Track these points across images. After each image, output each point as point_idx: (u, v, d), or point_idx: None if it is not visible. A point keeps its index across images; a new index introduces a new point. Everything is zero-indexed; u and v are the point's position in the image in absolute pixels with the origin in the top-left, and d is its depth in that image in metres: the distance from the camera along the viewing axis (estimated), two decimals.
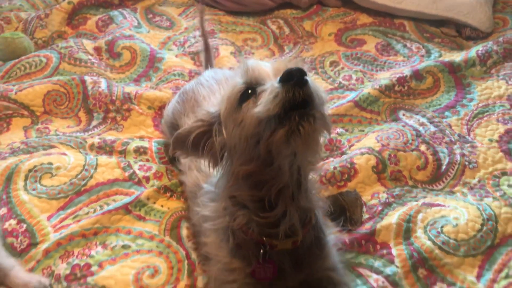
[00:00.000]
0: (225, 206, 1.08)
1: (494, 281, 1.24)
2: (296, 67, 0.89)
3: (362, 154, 1.52)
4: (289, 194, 0.99)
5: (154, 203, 1.44)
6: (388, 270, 1.25)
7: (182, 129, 1.06)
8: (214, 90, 1.47)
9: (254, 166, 0.96)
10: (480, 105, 1.72)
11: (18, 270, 1.26)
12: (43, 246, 1.31)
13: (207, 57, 1.78)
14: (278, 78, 0.90)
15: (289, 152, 0.93)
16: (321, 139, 0.98)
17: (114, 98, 1.73)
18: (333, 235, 1.22)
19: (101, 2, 2.21)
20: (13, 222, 1.38)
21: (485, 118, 1.67)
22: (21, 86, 1.74)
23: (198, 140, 1.04)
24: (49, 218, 1.40)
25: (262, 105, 0.90)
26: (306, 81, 0.88)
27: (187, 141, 1.04)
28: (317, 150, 0.99)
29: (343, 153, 1.57)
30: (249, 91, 0.96)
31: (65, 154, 1.54)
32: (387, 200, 1.43)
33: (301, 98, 0.87)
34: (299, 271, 1.11)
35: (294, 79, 0.87)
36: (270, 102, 0.89)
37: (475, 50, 1.90)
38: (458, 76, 1.83)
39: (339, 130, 1.64)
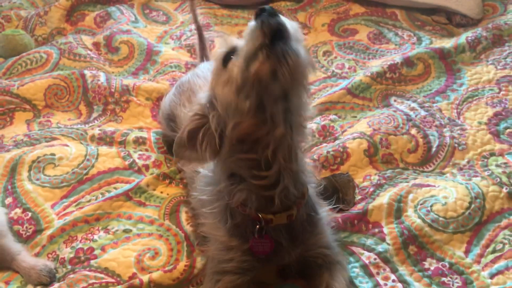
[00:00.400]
0: (222, 188, 1.11)
1: (481, 255, 1.29)
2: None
3: (354, 138, 1.57)
4: (283, 154, 1.00)
5: (154, 189, 1.49)
6: (380, 247, 1.30)
7: (179, 134, 1.07)
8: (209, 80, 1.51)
9: (247, 122, 0.96)
10: (469, 89, 1.76)
11: (24, 255, 1.31)
12: (47, 232, 1.37)
13: (202, 49, 1.82)
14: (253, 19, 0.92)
15: (279, 91, 0.93)
16: (308, 78, 0.98)
17: (113, 90, 1.78)
18: (326, 213, 1.25)
19: None
20: (18, 210, 1.43)
21: (474, 102, 1.72)
22: (22, 81, 1.80)
23: (194, 135, 1.04)
24: (53, 206, 1.45)
25: (245, 44, 0.92)
26: (277, 12, 0.91)
27: (192, 141, 1.04)
28: (306, 87, 0.99)
29: (336, 139, 1.61)
30: (231, 54, 0.98)
31: (67, 145, 1.60)
32: (378, 181, 1.48)
33: (277, 26, 0.89)
34: (295, 246, 1.15)
35: (266, 10, 0.90)
36: (252, 36, 0.91)
37: (464, 37, 1.94)
38: (448, 62, 1.87)
39: (332, 116, 1.69)
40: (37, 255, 1.33)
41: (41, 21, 2.13)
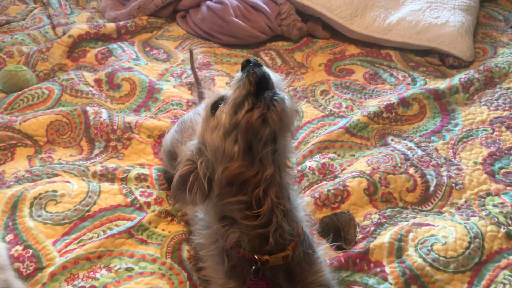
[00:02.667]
0: (215, 231, 1.14)
1: None
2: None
3: (354, 177, 1.59)
4: (274, 192, 1.04)
5: (156, 227, 1.49)
6: (382, 287, 1.31)
7: (174, 178, 1.11)
8: None
9: (236, 165, 1.01)
10: (464, 129, 1.81)
11: None
12: (49, 270, 1.36)
13: (199, 94, 1.86)
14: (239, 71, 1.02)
15: (268, 135, 0.99)
16: (293, 124, 1.05)
17: (115, 127, 1.79)
18: (323, 251, 1.27)
19: (99, 36, 2.29)
20: (19, 248, 1.42)
21: (469, 142, 1.76)
22: (25, 117, 1.81)
23: (187, 180, 1.08)
24: (54, 243, 1.45)
25: (232, 93, 1.00)
26: (261, 64, 1.02)
27: (182, 186, 1.09)
28: (292, 131, 1.07)
29: (335, 177, 1.64)
30: (218, 102, 1.05)
31: (68, 182, 1.60)
32: (379, 220, 1.50)
33: (262, 75, 0.99)
34: (293, 286, 1.16)
35: (251, 62, 1.01)
36: (239, 85, 0.99)
37: (458, 78, 2.00)
38: (443, 103, 1.92)
39: (331, 155, 1.72)
40: None
41: (43, 57, 2.16)
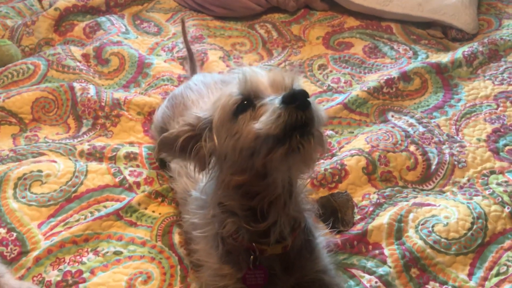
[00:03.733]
0: (213, 213, 1.09)
1: (485, 279, 1.25)
2: (299, 89, 0.90)
3: (352, 155, 1.53)
4: (281, 204, 1.00)
5: (146, 208, 1.43)
6: (381, 270, 1.26)
7: (168, 133, 1.07)
8: (203, 94, 1.47)
9: (246, 177, 0.97)
10: (467, 105, 1.74)
11: (8, 278, 1.24)
12: (33, 254, 1.31)
13: (192, 67, 1.79)
14: (281, 97, 0.89)
15: (285, 168, 0.95)
16: (317, 155, 0.99)
17: (103, 104, 1.72)
18: (323, 237, 1.22)
19: (87, 9, 2.20)
20: (2, 231, 1.36)
21: (472, 118, 1.69)
22: (9, 94, 1.73)
23: (186, 144, 1.03)
24: (39, 226, 1.39)
25: (263, 123, 0.90)
26: (309, 104, 0.88)
27: (174, 144, 1.04)
28: (313, 165, 1.01)
29: (333, 155, 1.57)
30: (245, 103, 0.95)
31: (54, 162, 1.54)
32: (378, 200, 1.44)
33: (304, 120, 0.88)
34: (290, 275, 1.12)
35: (297, 102, 0.87)
36: (272, 122, 0.88)
37: (461, 51, 1.92)
38: (445, 77, 1.85)
39: (329, 132, 1.65)
40: (21, 278, 1.26)
41: (28, 31, 2.07)
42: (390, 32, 2.13)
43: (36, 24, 2.08)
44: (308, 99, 0.89)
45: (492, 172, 1.51)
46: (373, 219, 1.39)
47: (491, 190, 1.44)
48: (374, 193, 1.47)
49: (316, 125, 0.91)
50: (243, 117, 0.94)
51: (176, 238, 1.36)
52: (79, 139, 1.65)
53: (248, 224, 1.02)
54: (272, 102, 0.91)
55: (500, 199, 1.40)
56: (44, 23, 2.09)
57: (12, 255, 1.31)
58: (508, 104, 1.72)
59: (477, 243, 1.31)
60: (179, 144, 1.03)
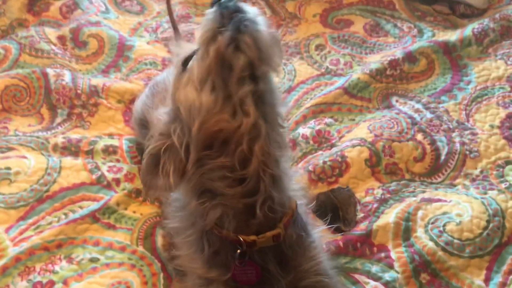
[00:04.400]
0: (193, 209, 0.96)
1: (504, 284, 1.13)
2: None
3: (354, 146, 1.39)
4: (260, 148, 0.85)
5: (125, 209, 1.30)
6: (387, 275, 1.14)
7: (143, 163, 0.92)
8: None
9: (214, 119, 0.83)
10: (478, 88, 1.60)
11: None
12: (0, 262, 1.17)
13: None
14: None
15: (242, 62, 0.81)
16: (276, 53, 0.87)
17: (79, 91, 1.57)
18: (319, 235, 1.09)
19: None
20: None
21: (484, 102, 1.55)
22: None
23: (159, 158, 0.89)
24: (7, 230, 1.26)
25: (201, 30, 0.84)
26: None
27: (154, 166, 0.90)
28: (274, 66, 0.87)
29: (332, 146, 1.44)
30: (191, 57, 0.87)
31: (25, 157, 1.39)
32: (382, 196, 1.31)
33: (235, 8, 0.83)
34: (285, 273, 0.99)
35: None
36: (208, 19, 0.83)
37: (470, 28, 1.76)
38: (453, 57, 1.70)
39: (327, 120, 1.51)
40: None
41: None
42: (392, 8, 1.97)
43: (7, 3, 1.91)
44: None
45: (508, 163, 1.37)
46: (378, 217, 1.26)
47: (507, 183, 1.32)
48: (379, 187, 1.33)
49: (253, 13, 0.84)
50: (191, 62, 0.86)
51: (160, 241, 1.24)
52: (53, 131, 1.50)
53: (231, 188, 0.88)
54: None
55: None
56: (16, 2, 1.91)
57: None
58: None
59: (493, 244, 1.20)
60: (146, 163, 0.90)
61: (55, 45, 1.77)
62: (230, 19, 0.82)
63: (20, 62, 1.70)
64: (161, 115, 0.94)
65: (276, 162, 0.89)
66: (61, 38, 1.80)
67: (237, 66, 0.80)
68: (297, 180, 1.02)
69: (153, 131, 0.97)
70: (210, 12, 0.85)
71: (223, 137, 0.84)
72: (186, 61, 0.87)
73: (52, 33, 1.81)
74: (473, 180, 1.35)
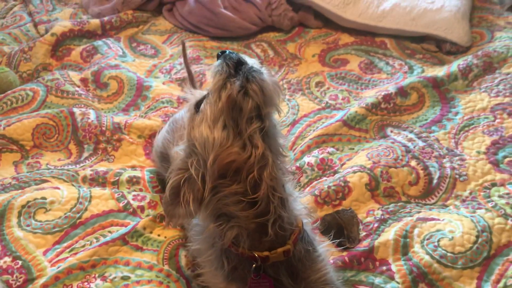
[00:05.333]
0: (212, 232, 1.09)
1: None
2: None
3: (355, 172, 1.54)
4: (268, 174, 1.00)
5: (151, 232, 1.43)
6: (389, 286, 1.27)
7: (165, 195, 1.06)
8: None
9: (227, 152, 0.98)
10: (465, 118, 1.76)
11: None
12: (40, 281, 1.30)
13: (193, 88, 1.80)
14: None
15: (252, 108, 0.97)
16: (278, 95, 1.02)
17: (104, 128, 1.72)
18: (324, 249, 1.22)
19: (84, 33, 2.21)
20: (7, 259, 1.36)
21: (471, 131, 1.71)
22: (9, 121, 1.73)
23: (179, 189, 1.03)
24: (45, 253, 1.38)
25: (212, 80, 1.00)
26: (236, 52, 1.03)
27: (175, 196, 1.03)
28: (277, 105, 1.03)
29: (335, 172, 1.58)
30: (202, 101, 1.04)
31: (58, 188, 1.53)
32: (382, 216, 1.45)
33: (238, 58, 1.00)
34: (296, 283, 1.12)
35: (225, 51, 1.02)
36: (217, 70, 1.00)
37: (456, 65, 1.94)
38: (442, 91, 1.87)
39: (329, 149, 1.66)
40: None
41: (25, 57, 2.07)
42: (384, 47, 2.16)
43: (33, 50, 2.09)
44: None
45: (494, 185, 1.52)
46: (379, 235, 1.39)
47: (494, 203, 1.45)
48: (378, 209, 1.47)
49: (253, 63, 1.01)
50: (203, 104, 1.02)
51: (183, 261, 1.36)
52: (81, 165, 1.65)
53: (244, 211, 1.02)
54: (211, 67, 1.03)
55: (503, 212, 1.42)
56: (41, 48, 2.09)
57: (18, 283, 1.31)
58: (505, 116, 1.74)
59: (482, 256, 1.32)
60: (168, 195, 1.04)
61: (78, 86, 1.93)
62: (236, 69, 0.99)
63: (47, 103, 1.87)
64: (178, 151, 1.09)
65: (282, 186, 1.05)
66: (83, 80, 1.97)
67: (246, 109, 0.97)
68: (302, 201, 1.16)
69: (173, 166, 1.10)
70: (218, 64, 1.01)
71: (235, 167, 0.99)
72: (198, 105, 1.04)
73: (75, 76, 1.98)
74: (463, 201, 1.49)
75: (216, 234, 1.09)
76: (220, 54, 1.03)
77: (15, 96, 1.87)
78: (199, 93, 1.08)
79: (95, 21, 2.25)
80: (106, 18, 2.28)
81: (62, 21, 2.24)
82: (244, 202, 1.01)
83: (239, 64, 1.00)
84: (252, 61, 1.02)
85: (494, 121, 1.73)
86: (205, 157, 1.00)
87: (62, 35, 2.15)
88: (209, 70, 1.07)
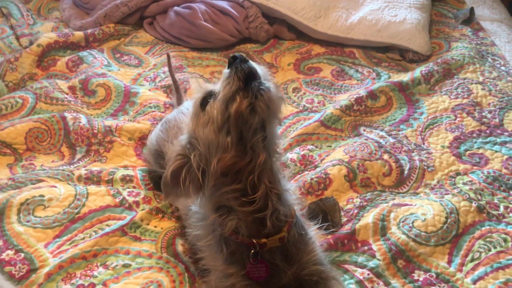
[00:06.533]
0: (212, 221, 1.19)
1: (462, 264, 1.41)
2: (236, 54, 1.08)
3: (334, 165, 1.68)
4: (267, 177, 1.11)
5: (148, 224, 1.52)
6: (371, 263, 1.40)
7: (164, 174, 1.16)
8: None
9: (230, 156, 1.07)
10: (429, 117, 1.93)
11: None
12: (44, 270, 1.37)
13: (178, 98, 1.90)
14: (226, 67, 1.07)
15: (258, 122, 1.05)
16: (280, 109, 1.12)
17: (95, 131, 1.80)
18: (314, 232, 1.33)
19: (68, 44, 2.28)
20: (10, 252, 1.42)
21: (435, 128, 1.88)
22: (2, 126, 1.79)
23: (179, 174, 1.13)
24: (46, 246, 1.45)
25: (222, 89, 1.05)
26: (247, 59, 1.07)
27: (178, 180, 1.13)
28: (279, 117, 1.13)
29: (316, 166, 1.71)
30: (207, 97, 1.11)
31: (55, 187, 1.60)
32: (361, 204, 1.58)
33: (250, 70, 1.04)
34: (290, 265, 1.23)
35: (237, 58, 1.06)
36: (228, 81, 1.04)
37: (419, 71, 2.13)
38: (407, 94, 2.05)
39: (309, 146, 1.79)
40: None
41: (11, 67, 2.13)
42: (353, 56, 2.33)
43: (19, 60, 2.15)
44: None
45: (458, 174, 1.69)
46: (359, 220, 1.52)
47: (459, 189, 1.61)
48: (357, 197, 1.61)
49: (263, 75, 1.07)
50: (208, 105, 1.09)
51: (180, 248, 1.45)
52: (75, 165, 1.72)
53: (243, 209, 1.12)
54: (222, 74, 1.07)
55: (468, 196, 1.58)
56: (27, 59, 2.15)
57: (21, 273, 1.37)
58: (464, 115, 1.92)
59: (452, 234, 1.48)
60: (170, 177, 1.13)
61: (67, 94, 2.01)
62: (246, 82, 1.04)
63: (37, 110, 1.93)
64: (179, 140, 1.19)
65: (279, 181, 1.16)
66: (71, 88, 2.04)
67: (252, 123, 1.05)
68: (294, 191, 1.27)
69: (172, 151, 1.21)
70: (228, 73, 1.06)
71: (236, 168, 1.09)
72: (203, 102, 1.11)
73: (63, 84, 2.05)
74: (432, 188, 1.65)
75: (217, 223, 1.18)
76: (231, 60, 1.07)
77: (5, 104, 1.92)
78: (204, 87, 1.14)
79: (79, 33, 2.33)
80: (89, 31, 2.36)
81: (47, 33, 2.30)
82: (243, 200, 1.12)
83: (250, 77, 1.05)
84: (262, 72, 1.07)
85: (455, 119, 1.91)
86: (208, 156, 1.10)
87: (48, 46, 2.21)
88: (221, 78, 1.08)
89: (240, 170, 1.09)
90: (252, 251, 1.18)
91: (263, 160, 1.09)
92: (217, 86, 1.11)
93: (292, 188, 1.25)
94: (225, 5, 2.37)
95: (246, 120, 1.05)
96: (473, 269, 1.39)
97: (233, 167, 1.09)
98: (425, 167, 1.72)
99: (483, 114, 1.92)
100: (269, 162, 1.11)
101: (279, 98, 1.11)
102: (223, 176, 1.10)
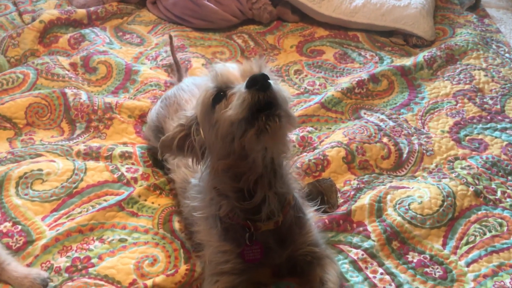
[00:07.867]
0: (210, 197, 1.20)
1: (457, 247, 1.41)
2: (260, 73, 1.01)
3: (333, 147, 1.68)
4: (266, 182, 1.12)
5: (145, 200, 1.53)
6: (366, 244, 1.40)
7: (165, 136, 1.19)
8: (195, 94, 1.58)
9: (230, 160, 1.09)
10: (430, 102, 1.93)
11: (15, 265, 1.31)
12: (40, 242, 1.38)
13: (179, 77, 1.90)
14: (245, 83, 1.01)
15: (260, 148, 1.06)
16: (289, 133, 1.12)
17: (96, 108, 1.81)
18: (312, 213, 1.35)
19: (70, 21, 2.28)
20: (7, 224, 1.43)
21: (436, 113, 1.88)
22: (2, 100, 1.79)
23: (181, 143, 1.16)
24: (43, 219, 1.46)
25: (232, 109, 1.02)
26: (269, 85, 0.99)
27: (171, 145, 1.17)
28: (286, 142, 1.12)
29: (315, 148, 1.71)
30: (221, 93, 1.07)
31: (53, 161, 1.61)
32: (358, 186, 1.59)
33: (265, 101, 0.99)
34: (284, 248, 1.24)
35: (258, 84, 0.98)
36: (239, 106, 1.00)
37: (422, 56, 2.12)
38: (409, 79, 2.04)
39: (309, 128, 1.79)
40: (29, 265, 1.34)
41: (13, 42, 2.13)
42: (356, 40, 2.31)
43: (21, 36, 2.15)
44: (269, 81, 0.99)
45: (456, 158, 1.68)
46: (355, 201, 1.53)
47: (457, 173, 1.61)
48: (354, 179, 1.61)
49: (280, 105, 1.00)
50: (219, 107, 1.06)
51: (176, 225, 1.46)
52: (74, 141, 1.73)
53: (239, 203, 1.14)
54: (239, 89, 1.03)
55: (465, 180, 1.57)
56: (29, 35, 2.15)
57: (18, 245, 1.39)
58: (465, 100, 1.92)
59: (448, 217, 1.48)
60: (175, 144, 1.16)
61: (68, 70, 2.01)
62: (258, 110, 0.98)
63: (38, 85, 1.93)
64: (184, 114, 1.20)
65: (280, 180, 1.14)
66: (72, 65, 2.04)
67: (256, 147, 1.04)
68: (295, 175, 1.28)
69: (177, 121, 1.22)
70: (242, 96, 0.99)
71: (236, 168, 1.10)
72: (214, 101, 1.07)
73: (64, 60, 2.06)
74: (430, 172, 1.65)
75: (214, 201, 1.19)
76: (249, 84, 0.99)
77: (6, 79, 1.93)
78: (219, 79, 1.08)
79: (82, 11, 2.33)
80: (92, 9, 2.36)
81: (49, 10, 2.30)
82: (241, 195, 1.13)
83: (265, 106, 0.99)
84: (281, 97, 1.01)
85: (456, 105, 1.91)
86: (211, 150, 1.12)
87: (50, 22, 2.21)
88: (238, 94, 1.02)
89: (241, 172, 1.11)
90: (247, 233, 1.19)
91: (260, 174, 1.10)
92: (234, 88, 1.05)
93: (294, 173, 1.25)
94: None
95: (249, 145, 1.04)
96: (467, 252, 1.40)
97: (234, 168, 1.10)
98: (424, 151, 1.71)
99: (485, 100, 1.92)
100: (269, 170, 1.11)
101: (289, 125, 1.08)
102: (224, 172, 1.12)
